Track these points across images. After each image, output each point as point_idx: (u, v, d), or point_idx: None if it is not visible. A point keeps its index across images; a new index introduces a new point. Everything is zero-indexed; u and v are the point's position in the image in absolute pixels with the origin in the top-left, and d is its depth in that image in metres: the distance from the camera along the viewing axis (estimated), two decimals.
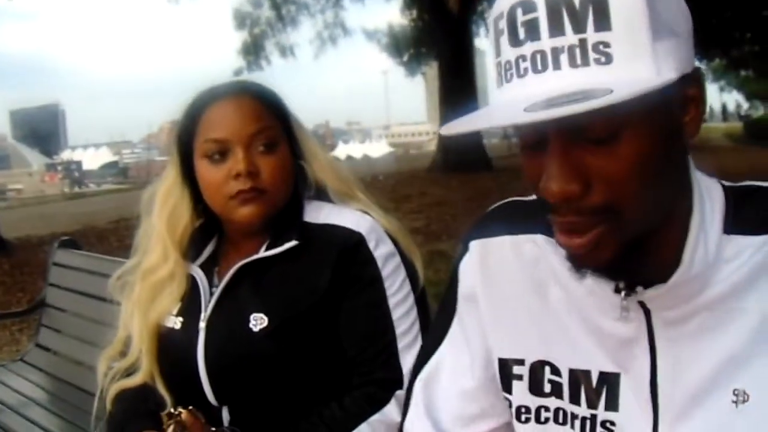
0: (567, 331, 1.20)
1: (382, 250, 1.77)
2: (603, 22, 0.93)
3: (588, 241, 1.01)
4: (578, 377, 1.19)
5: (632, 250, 1.03)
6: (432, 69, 29.20)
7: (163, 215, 1.87)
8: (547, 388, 1.24)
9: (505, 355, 1.28)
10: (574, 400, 1.20)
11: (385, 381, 1.73)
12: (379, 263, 1.76)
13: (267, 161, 1.77)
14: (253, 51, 26.51)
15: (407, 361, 1.71)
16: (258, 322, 1.75)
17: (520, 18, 0.97)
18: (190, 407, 1.73)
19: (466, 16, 20.16)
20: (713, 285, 1.07)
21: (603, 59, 0.93)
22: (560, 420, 1.22)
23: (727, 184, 1.13)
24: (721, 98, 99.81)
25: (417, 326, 1.76)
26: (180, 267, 1.86)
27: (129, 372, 1.89)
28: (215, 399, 1.79)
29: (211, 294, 1.84)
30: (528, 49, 0.97)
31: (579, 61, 0.94)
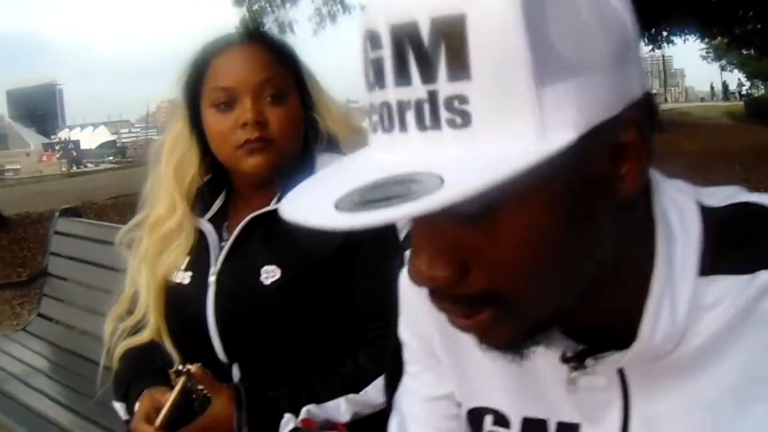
0: (520, 373, 0.96)
1: None
2: (459, 67, 0.67)
3: (474, 325, 0.80)
4: (534, 428, 0.98)
5: (543, 330, 0.82)
6: None
7: (170, 166, 1.82)
8: None
9: (442, 392, 1.11)
10: None
11: None
12: None
13: (275, 111, 1.71)
14: (252, 28, 26.41)
15: None
16: (270, 274, 1.70)
17: (369, 53, 0.73)
18: (198, 364, 1.68)
19: None
20: (691, 337, 0.84)
21: (459, 120, 0.67)
22: None
23: (707, 204, 0.87)
24: (722, 77, 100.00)
25: None
26: (188, 219, 1.80)
27: (136, 330, 1.84)
28: (225, 355, 1.74)
29: (221, 248, 1.79)
30: (377, 97, 0.73)
31: (428, 122, 0.69)
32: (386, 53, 0.70)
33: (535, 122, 0.67)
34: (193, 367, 1.64)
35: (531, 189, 0.69)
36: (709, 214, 0.85)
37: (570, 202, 0.72)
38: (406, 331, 1.14)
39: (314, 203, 0.72)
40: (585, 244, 0.76)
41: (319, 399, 1.66)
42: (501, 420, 1.00)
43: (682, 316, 0.82)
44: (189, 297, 1.77)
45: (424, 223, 0.75)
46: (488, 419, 1.02)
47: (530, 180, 0.65)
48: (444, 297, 0.79)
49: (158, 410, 1.64)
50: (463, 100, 0.67)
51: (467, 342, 0.97)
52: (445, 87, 0.67)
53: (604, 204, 0.75)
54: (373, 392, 1.67)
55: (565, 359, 0.88)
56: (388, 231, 1.68)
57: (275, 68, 1.74)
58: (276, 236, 1.72)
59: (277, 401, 1.65)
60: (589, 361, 0.86)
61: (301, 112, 1.78)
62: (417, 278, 0.78)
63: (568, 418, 0.94)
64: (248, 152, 1.70)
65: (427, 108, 0.69)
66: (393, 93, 0.71)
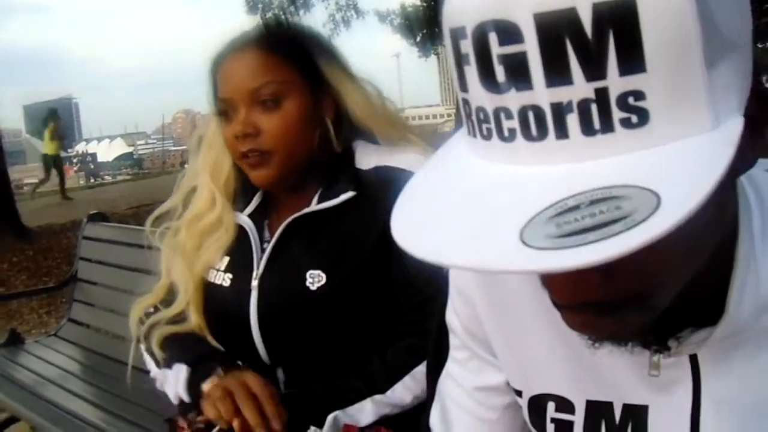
0: (584, 356, 0.92)
1: None
2: (632, 59, 0.59)
3: (615, 330, 0.77)
4: (599, 411, 0.96)
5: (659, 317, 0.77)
6: (445, 49, 29.08)
7: (206, 165, 1.81)
8: (550, 428, 1.01)
9: (488, 382, 1.11)
10: None
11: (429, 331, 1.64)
12: None
13: (270, 119, 1.65)
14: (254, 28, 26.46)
15: None
16: (315, 279, 1.66)
17: (495, 48, 0.62)
18: (246, 365, 1.69)
19: None
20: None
21: (635, 119, 0.60)
22: None
23: None
24: None
25: None
26: (228, 213, 1.78)
27: (173, 321, 1.80)
28: (269, 359, 1.72)
29: (263, 249, 1.76)
30: (513, 101, 0.62)
31: (597, 124, 0.60)
32: (530, 47, 0.60)
33: (709, 110, 0.61)
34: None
35: None
36: None
37: (723, 190, 0.67)
38: (454, 318, 1.12)
39: (483, 237, 0.60)
40: (718, 228, 0.74)
41: (342, 404, 1.62)
42: (564, 405, 0.99)
43: (764, 291, 0.80)
44: (231, 300, 1.74)
45: None
46: (551, 406, 1.01)
47: None
48: (585, 308, 0.72)
49: None
50: (638, 95, 0.60)
51: (524, 329, 1.00)
52: (616, 83, 0.60)
53: (730, 190, 0.73)
54: (402, 391, 1.64)
55: (645, 344, 0.85)
56: None
57: (272, 71, 1.67)
58: (320, 238, 1.69)
59: (303, 409, 1.61)
60: (672, 343, 0.84)
61: (308, 109, 1.70)
62: (561, 296, 0.72)
63: (635, 399, 0.92)
64: (249, 166, 1.68)
65: (595, 108, 0.60)
66: (545, 94, 0.61)
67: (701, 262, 0.73)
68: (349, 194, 1.68)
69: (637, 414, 0.92)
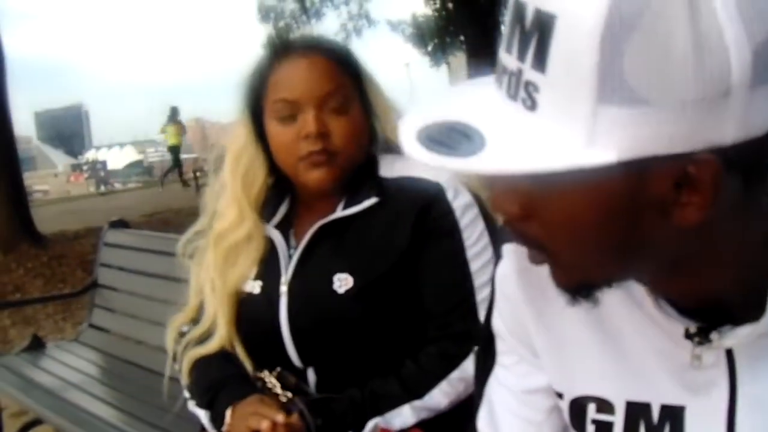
0: (624, 356, 1.00)
1: (460, 200, 1.73)
2: (540, 59, 0.73)
3: (533, 258, 0.90)
4: (637, 412, 1.00)
5: (596, 288, 0.88)
6: (456, 59, 29.12)
7: (237, 176, 1.82)
8: (590, 429, 1.05)
9: (536, 385, 1.16)
10: None
11: (462, 335, 1.69)
12: (458, 213, 1.72)
13: (338, 122, 1.72)
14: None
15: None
16: (343, 283, 1.71)
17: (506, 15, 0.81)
18: (279, 369, 1.74)
19: (493, 6, 20.08)
20: None
21: (528, 102, 0.75)
22: None
23: None
24: None
25: None
26: (258, 228, 1.81)
27: (201, 340, 1.85)
28: (300, 361, 1.77)
29: (290, 256, 1.81)
30: (499, 52, 0.81)
31: (512, 91, 0.77)
32: (508, 21, 0.78)
33: (585, 134, 0.72)
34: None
35: (577, 185, 0.75)
36: None
37: (614, 208, 0.77)
38: (500, 322, 1.17)
39: (411, 125, 0.83)
40: (631, 242, 0.80)
41: (381, 409, 1.67)
42: (605, 407, 1.03)
43: None
44: (261, 306, 1.79)
45: None
46: (591, 408, 1.05)
47: (575, 177, 0.73)
48: (513, 230, 0.88)
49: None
50: (535, 88, 0.74)
51: (566, 332, 1.04)
52: (528, 71, 0.75)
53: (655, 221, 0.77)
54: (439, 396, 1.69)
55: (688, 335, 0.90)
56: (450, 230, 1.72)
57: (338, 77, 1.74)
58: (346, 243, 1.74)
59: (342, 417, 1.67)
60: (714, 335, 0.88)
61: (363, 120, 1.78)
62: (491, 204, 0.90)
63: (672, 400, 0.97)
64: (311, 165, 1.71)
65: (514, 80, 0.77)
66: (502, 55, 0.79)
67: (613, 259, 0.83)
68: (373, 200, 1.73)
69: (674, 414, 0.96)
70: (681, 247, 0.81)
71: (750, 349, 0.89)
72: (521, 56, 0.75)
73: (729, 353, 0.90)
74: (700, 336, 0.89)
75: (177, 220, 12.17)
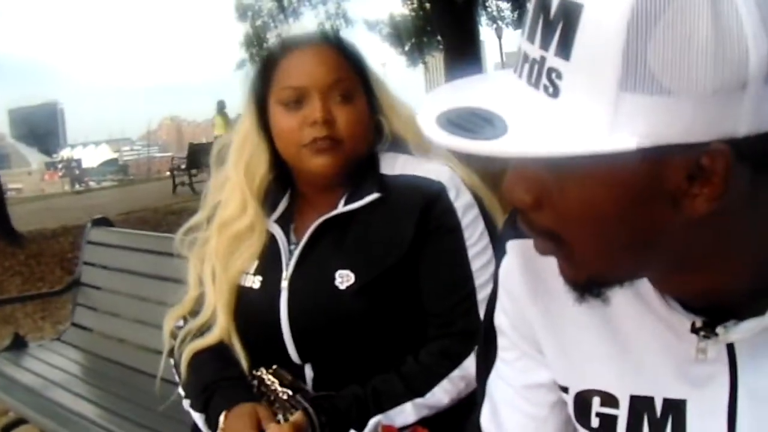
0: (628, 351, 1.02)
1: (462, 200, 1.75)
2: (564, 47, 0.76)
3: (542, 250, 0.92)
4: (641, 405, 1.02)
5: (605, 284, 0.89)
6: (433, 59, 29.22)
7: (240, 165, 1.84)
8: (595, 422, 1.07)
9: (538, 380, 1.17)
10: None
11: (463, 333, 1.71)
12: (459, 213, 1.74)
13: (344, 111, 1.74)
14: (256, 42, 26.50)
15: None
16: (344, 279, 1.73)
17: (528, 3, 0.84)
18: (275, 366, 1.75)
19: (470, 4, 20.12)
20: None
21: (551, 89, 0.78)
22: None
23: None
24: None
25: None
26: (260, 218, 1.82)
27: (201, 332, 1.86)
28: (299, 357, 1.78)
29: (291, 251, 1.82)
30: (520, 42, 0.84)
31: (533, 79, 0.80)
32: (531, 12, 0.81)
33: (607, 120, 0.74)
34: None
35: (596, 172, 0.78)
36: None
37: (632, 195, 0.79)
38: (503, 318, 1.18)
39: (431, 108, 0.83)
40: (645, 233, 0.82)
41: (384, 406, 1.69)
42: (609, 400, 1.05)
43: None
44: (261, 301, 1.79)
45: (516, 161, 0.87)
46: (596, 401, 1.06)
47: (596, 163, 0.76)
48: (524, 219, 0.89)
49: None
50: (558, 75, 0.77)
51: (571, 327, 1.06)
52: (551, 58, 0.77)
53: (668, 212, 0.79)
54: (440, 394, 1.71)
55: (694, 330, 0.91)
56: (452, 229, 1.73)
57: (344, 69, 1.77)
58: (347, 240, 1.75)
59: (346, 414, 1.67)
60: (720, 329, 0.90)
61: (368, 114, 1.80)
62: (505, 193, 0.89)
63: (675, 394, 0.98)
64: (315, 151, 1.73)
65: (536, 68, 0.79)
66: (524, 44, 0.81)
67: (625, 251, 0.84)
68: (374, 196, 1.74)
69: (676, 408, 0.98)
70: (690, 239, 0.82)
71: (751, 343, 0.90)
72: (545, 44, 0.78)
73: (730, 347, 0.92)
74: (706, 330, 0.91)
75: (154, 218, 12.15)
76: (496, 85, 0.85)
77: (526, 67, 0.81)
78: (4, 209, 10.93)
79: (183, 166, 17.74)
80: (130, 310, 3.73)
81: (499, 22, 30.19)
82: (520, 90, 0.81)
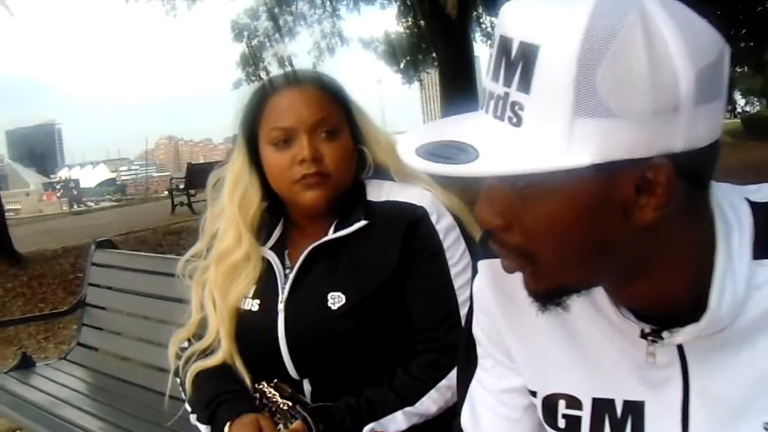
0: (589, 357, 1.15)
1: (443, 223, 1.87)
2: (525, 82, 0.89)
3: (510, 268, 1.04)
4: (603, 407, 1.15)
5: (570, 293, 1.02)
6: (429, 75, 29.31)
7: (234, 200, 1.96)
8: (562, 423, 1.21)
9: (511, 385, 1.30)
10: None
11: (449, 347, 1.82)
12: (441, 235, 1.86)
13: (330, 147, 1.86)
14: (252, 62, 26.61)
15: None
16: (336, 300, 1.85)
17: (490, 48, 0.97)
18: (276, 380, 1.87)
19: (464, 21, 20.23)
20: (745, 312, 1.01)
21: (514, 120, 0.90)
22: None
23: (753, 199, 1.05)
24: None
25: None
26: (255, 249, 1.95)
27: (205, 354, 1.98)
28: (297, 373, 1.90)
29: (286, 275, 1.94)
30: (485, 82, 0.97)
31: (499, 113, 0.92)
32: (493, 54, 0.94)
33: (564, 141, 0.87)
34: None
35: (559, 186, 0.90)
36: (758, 208, 1.04)
37: (590, 208, 0.92)
38: (479, 330, 1.32)
39: (409, 144, 0.95)
40: (600, 242, 0.95)
41: (377, 415, 1.81)
42: (573, 403, 1.18)
43: (741, 291, 0.99)
44: (260, 323, 1.92)
45: (490, 184, 0.99)
46: (562, 404, 1.20)
47: (559, 181, 0.89)
48: (494, 240, 1.02)
49: None
50: (521, 107, 0.90)
51: (538, 337, 1.20)
52: (514, 93, 0.91)
53: (620, 221, 0.93)
54: (429, 403, 1.83)
55: (643, 335, 1.06)
56: (435, 252, 1.86)
57: (328, 106, 1.89)
58: (339, 264, 1.88)
59: (341, 422, 1.79)
60: (665, 334, 1.03)
61: (352, 145, 1.93)
62: (477, 218, 1.01)
63: (633, 396, 1.12)
64: (306, 186, 1.85)
65: (500, 103, 0.92)
66: (489, 84, 0.95)
67: (588, 261, 0.97)
68: (362, 223, 1.87)
69: (635, 409, 1.12)
70: (640, 246, 0.96)
71: (700, 347, 1.04)
72: (507, 82, 0.91)
73: (681, 353, 1.06)
74: (654, 335, 1.05)
75: (154, 238, 12.22)
76: (466, 122, 0.97)
77: (492, 103, 0.94)
78: (6, 231, 11.00)
79: (181, 186, 17.87)
80: (134, 330, 3.86)
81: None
82: (488, 123, 0.93)
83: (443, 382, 1.83)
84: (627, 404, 1.13)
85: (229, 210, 1.97)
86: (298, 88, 1.90)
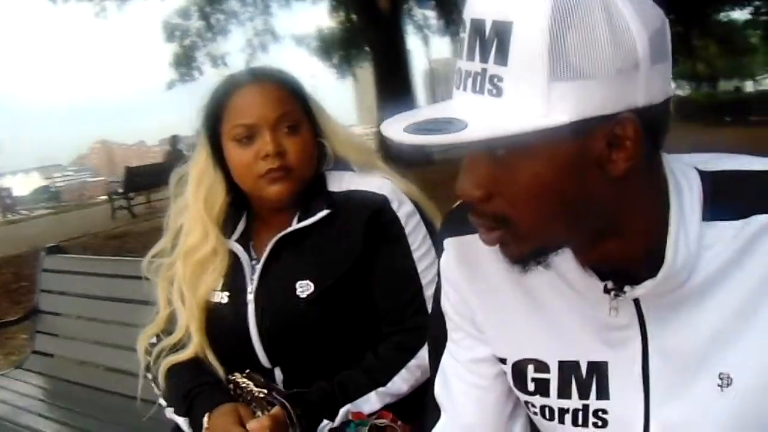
0: (554, 323, 1.24)
1: (404, 209, 1.94)
2: (501, 56, 0.97)
3: (492, 240, 1.10)
4: (569, 369, 1.24)
5: (546, 253, 1.10)
6: (362, 70, 29.37)
7: (199, 196, 2.01)
8: (531, 386, 1.29)
9: (480, 355, 1.38)
10: (564, 393, 1.26)
11: (415, 328, 1.90)
12: (402, 221, 1.93)
13: (292, 141, 1.92)
14: (185, 62, 26.44)
15: None
16: (304, 288, 1.91)
17: (460, 33, 1.05)
18: (248, 370, 1.91)
19: (396, 15, 20.33)
20: (697, 271, 1.10)
21: (494, 91, 0.98)
22: (547, 416, 1.29)
23: (702, 168, 1.15)
24: None
25: None
26: (221, 243, 2.00)
27: (176, 348, 2.02)
28: (269, 362, 1.95)
29: (253, 267, 1.99)
30: (458, 63, 1.05)
31: (478, 87, 1.00)
32: (466, 35, 1.03)
33: (542, 105, 0.96)
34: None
35: (541, 149, 0.99)
36: (706, 176, 1.14)
37: (569, 165, 1.00)
38: (447, 304, 1.40)
39: (396, 126, 1.02)
40: (578, 198, 1.03)
41: (351, 397, 1.87)
42: (541, 367, 1.27)
43: (693, 248, 1.10)
44: (230, 315, 1.97)
45: (470, 156, 1.06)
46: (530, 368, 1.29)
47: (540, 142, 0.97)
48: (474, 212, 1.09)
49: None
50: (499, 79, 0.98)
51: (503, 306, 1.28)
52: (491, 67, 0.99)
53: (596, 175, 1.02)
54: (400, 383, 1.90)
55: (606, 290, 1.15)
56: (398, 237, 1.93)
57: (288, 102, 1.94)
58: (305, 253, 1.94)
59: (318, 405, 1.85)
60: (627, 288, 1.13)
61: (313, 139, 1.98)
62: (458, 192, 1.08)
63: (597, 357, 1.22)
64: (270, 181, 1.90)
65: (479, 79, 1.00)
66: (464, 64, 1.03)
67: (567, 221, 1.05)
68: (325, 212, 1.93)
69: (599, 369, 1.22)
70: (612, 198, 1.05)
71: (656, 307, 1.15)
72: (484, 58, 0.99)
73: (640, 313, 1.16)
74: (616, 290, 1.14)
75: (96, 243, 12.09)
76: (447, 103, 1.06)
77: (469, 80, 1.02)
78: None
79: (120, 190, 17.72)
80: (90, 333, 3.86)
81: (426, 31, 30.53)
82: (468, 99, 1.02)
83: (412, 362, 1.90)
84: (591, 365, 1.23)
85: (194, 206, 2.01)
86: (260, 84, 1.95)
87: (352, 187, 1.98)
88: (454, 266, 1.35)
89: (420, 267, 1.94)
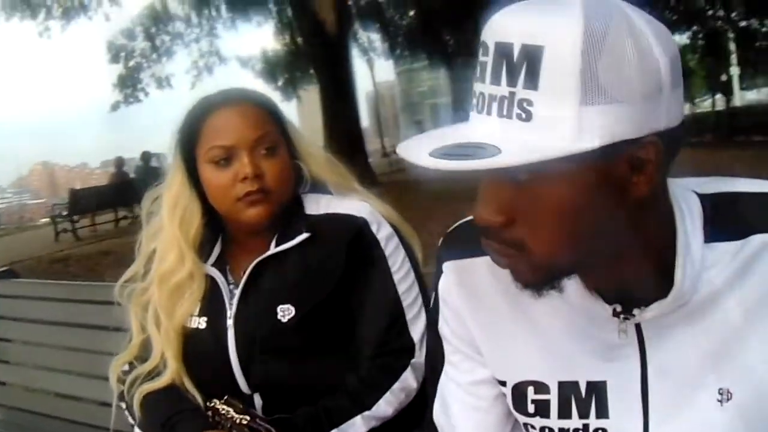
0: (552, 344, 1.25)
1: (383, 232, 1.93)
2: (531, 80, 0.98)
3: (505, 264, 1.11)
4: (568, 389, 1.25)
5: (559, 278, 1.11)
6: (307, 92, 29.44)
7: (174, 219, 1.97)
8: (531, 408, 1.30)
9: (479, 377, 1.39)
10: (564, 414, 1.26)
11: (399, 350, 1.89)
12: (382, 244, 1.92)
13: (270, 164, 1.90)
14: (130, 83, 26.23)
15: (416, 331, 1.89)
16: (285, 312, 1.88)
17: (480, 56, 1.05)
18: (226, 396, 1.87)
19: (342, 38, 20.38)
20: (698, 291, 1.14)
21: (524, 116, 0.99)
22: None
23: (700, 192, 1.18)
24: None
25: (420, 299, 1.92)
26: (198, 267, 1.96)
27: (150, 376, 1.97)
28: (248, 388, 1.91)
29: (231, 291, 1.96)
30: (479, 87, 1.05)
31: (505, 112, 1.00)
32: (490, 59, 1.03)
33: (573, 129, 0.97)
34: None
35: (567, 173, 1.00)
36: (704, 199, 1.18)
37: (594, 189, 1.02)
38: (446, 328, 1.40)
39: (418, 150, 1.01)
40: (598, 222, 1.05)
41: (336, 421, 1.85)
42: (541, 388, 1.27)
43: (697, 270, 1.13)
44: (208, 341, 1.93)
45: (490, 181, 1.07)
46: (530, 390, 1.29)
47: (566, 166, 0.98)
48: (491, 237, 1.09)
49: None
50: (529, 103, 0.99)
51: (503, 328, 1.29)
52: (520, 91, 0.99)
53: (618, 198, 1.04)
54: (385, 406, 1.88)
55: (615, 314, 1.17)
56: (378, 260, 1.91)
57: (266, 124, 1.92)
58: (285, 277, 1.90)
59: (304, 431, 1.82)
60: (636, 311, 1.16)
61: (290, 161, 1.96)
62: (477, 219, 1.09)
63: (596, 377, 1.22)
64: (248, 204, 1.87)
65: (506, 103, 1.00)
66: (488, 88, 1.03)
67: (585, 244, 1.06)
68: (304, 236, 1.91)
69: (598, 388, 1.23)
70: (632, 221, 1.07)
71: (655, 326, 1.16)
72: (511, 82, 1.00)
73: (639, 333, 1.18)
74: (625, 313, 1.16)
75: (40, 267, 11.88)
76: (470, 126, 1.06)
77: (494, 104, 1.02)
78: None
79: (65, 213, 17.43)
80: (43, 360, 3.72)
81: (371, 53, 30.73)
82: (493, 123, 1.02)
83: (396, 385, 1.88)
84: (590, 384, 1.24)
85: (169, 229, 1.97)
86: (237, 106, 1.92)
87: (330, 210, 1.96)
88: (454, 290, 1.36)
89: (401, 289, 1.92)
